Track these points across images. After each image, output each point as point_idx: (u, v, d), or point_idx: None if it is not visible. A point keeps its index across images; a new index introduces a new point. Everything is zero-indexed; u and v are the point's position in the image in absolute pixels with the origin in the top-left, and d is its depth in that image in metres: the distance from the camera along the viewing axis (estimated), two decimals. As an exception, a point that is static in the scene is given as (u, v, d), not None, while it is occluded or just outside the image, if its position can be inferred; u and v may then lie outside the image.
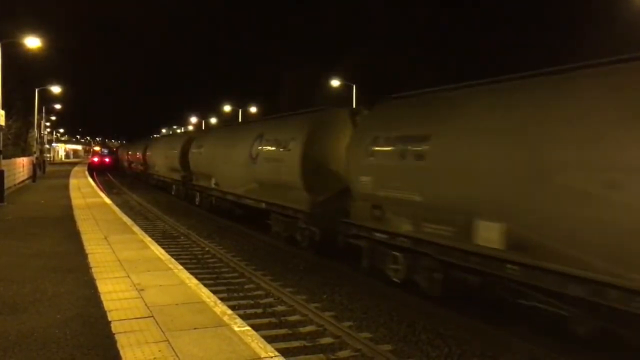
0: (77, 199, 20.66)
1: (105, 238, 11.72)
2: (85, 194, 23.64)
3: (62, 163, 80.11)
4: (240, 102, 68.98)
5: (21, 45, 26.02)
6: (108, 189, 34.20)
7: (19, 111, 40.16)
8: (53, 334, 5.80)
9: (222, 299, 7.78)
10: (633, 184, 6.03)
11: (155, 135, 75.62)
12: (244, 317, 7.44)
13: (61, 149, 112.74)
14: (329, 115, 13.80)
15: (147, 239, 11.92)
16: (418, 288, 9.70)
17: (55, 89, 43.19)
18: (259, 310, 9.29)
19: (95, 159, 66.23)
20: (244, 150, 16.96)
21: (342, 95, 39.76)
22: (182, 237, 16.75)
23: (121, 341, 5.53)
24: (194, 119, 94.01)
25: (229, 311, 6.67)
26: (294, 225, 14.04)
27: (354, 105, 32.43)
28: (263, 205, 15.82)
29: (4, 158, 27.87)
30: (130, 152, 51.23)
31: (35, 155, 39.59)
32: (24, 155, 36.25)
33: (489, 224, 7.82)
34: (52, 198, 21.37)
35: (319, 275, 11.73)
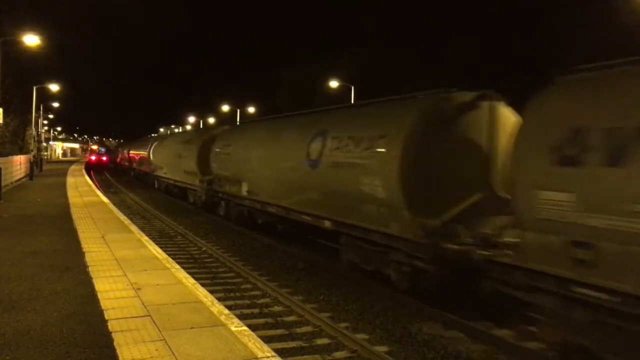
0: (74, 198, 20.64)
1: (103, 237, 11.71)
2: (83, 192, 23.61)
3: (59, 161, 79.99)
4: (239, 103, 69.03)
5: (20, 43, 26.00)
6: (105, 188, 34.16)
7: (17, 109, 40.04)
8: (50, 332, 5.80)
9: (219, 299, 7.77)
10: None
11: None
12: (241, 317, 7.45)
13: (58, 147, 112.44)
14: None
15: (144, 238, 11.91)
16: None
17: (53, 87, 43.18)
18: (256, 311, 9.30)
19: (93, 158, 67.70)
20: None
21: (341, 94, 39.75)
22: (179, 237, 16.75)
23: (118, 340, 5.53)
24: (192, 119, 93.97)
25: (226, 311, 6.68)
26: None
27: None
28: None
29: (1, 156, 27.86)
30: (120, 151, 59.46)
31: (33, 153, 39.52)
32: (21, 153, 36.15)
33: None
34: (49, 196, 21.34)
35: (316, 276, 11.75)
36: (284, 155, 14.34)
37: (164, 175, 31.03)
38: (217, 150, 20.17)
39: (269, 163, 15.43)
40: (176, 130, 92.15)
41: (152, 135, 74.93)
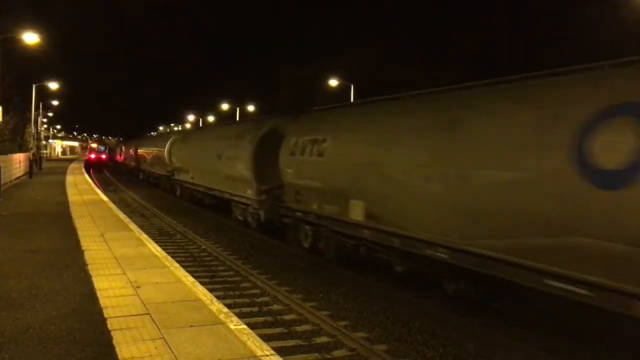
0: (73, 196, 20.63)
1: (102, 235, 11.71)
2: (82, 190, 23.60)
3: (58, 159, 79.99)
4: (239, 102, 69.05)
5: (19, 41, 25.98)
6: (105, 186, 34.14)
7: (16, 107, 40.03)
8: (49, 330, 5.80)
9: (218, 297, 7.79)
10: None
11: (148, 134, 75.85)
12: (240, 316, 7.45)
13: (58, 146, 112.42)
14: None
15: (144, 237, 11.91)
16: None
17: (53, 85, 43.13)
18: (255, 309, 9.31)
19: (92, 156, 68.79)
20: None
21: (340, 94, 39.73)
22: (178, 235, 16.75)
23: (117, 338, 5.53)
24: (191, 117, 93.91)
25: (225, 309, 6.68)
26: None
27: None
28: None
29: (0, 154, 27.85)
30: (124, 149, 56.80)
31: (32, 152, 39.48)
32: (20, 152, 36.15)
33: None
34: (49, 194, 21.32)
35: (315, 275, 11.75)
36: (497, 158, 7.58)
37: (190, 180, 24.54)
38: (294, 148, 13.71)
39: (436, 170, 8.65)
40: (176, 129, 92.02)
41: (152, 133, 74.90)
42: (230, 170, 18.04)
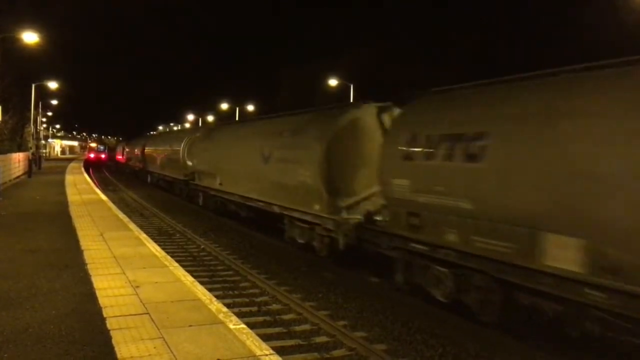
0: (73, 195, 20.61)
1: (101, 234, 11.70)
2: (81, 190, 23.58)
3: (58, 159, 79.94)
4: (238, 102, 69.04)
5: (19, 41, 25.99)
6: (104, 186, 34.13)
7: (16, 106, 40.05)
8: (48, 329, 5.80)
9: (217, 297, 7.79)
10: None
11: (151, 132, 75.47)
12: (239, 315, 7.45)
13: (57, 145, 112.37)
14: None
15: (143, 236, 11.91)
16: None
17: (52, 85, 43.12)
18: (254, 309, 9.31)
19: (92, 155, 69.15)
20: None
21: (340, 94, 39.77)
22: (177, 235, 16.74)
23: (116, 337, 5.53)
24: (191, 117, 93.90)
25: (225, 309, 6.69)
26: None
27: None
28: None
29: (-1, 153, 27.89)
30: (128, 149, 55.04)
31: (31, 151, 39.47)
32: (19, 151, 36.15)
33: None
34: (48, 194, 21.31)
35: (315, 275, 11.74)
36: None
37: (218, 187, 19.95)
38: (408, 148, 9.53)
39: None
40: (175, 129, 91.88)
41: (151, 133, 74.75)
42: (285, 177, 13.99)
